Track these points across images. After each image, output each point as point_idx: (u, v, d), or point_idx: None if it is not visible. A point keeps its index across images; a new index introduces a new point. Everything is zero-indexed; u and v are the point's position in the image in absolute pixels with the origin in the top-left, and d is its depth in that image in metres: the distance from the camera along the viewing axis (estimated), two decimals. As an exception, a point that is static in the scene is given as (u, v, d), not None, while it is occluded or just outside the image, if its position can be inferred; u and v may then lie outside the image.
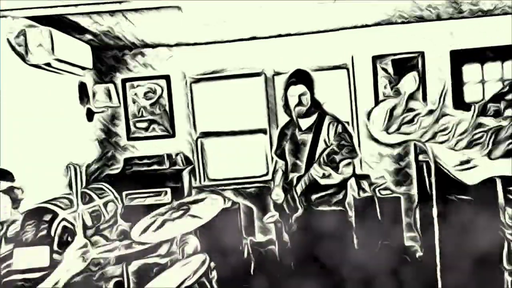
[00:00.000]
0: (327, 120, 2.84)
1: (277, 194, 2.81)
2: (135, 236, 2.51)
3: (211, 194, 2.92)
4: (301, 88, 2.80)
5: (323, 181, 2.67)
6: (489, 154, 0.91)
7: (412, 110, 1.04)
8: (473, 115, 0.99)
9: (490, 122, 0.95)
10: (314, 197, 2.77)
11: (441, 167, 1.02)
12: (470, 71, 4.20)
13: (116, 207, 3.55)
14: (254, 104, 4.40)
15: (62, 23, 3.32)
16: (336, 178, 2.61)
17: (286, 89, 2.86)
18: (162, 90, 4.44)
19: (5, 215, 2.51)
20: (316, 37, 4.23)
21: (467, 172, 0.97)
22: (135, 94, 4.44)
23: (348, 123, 3.44)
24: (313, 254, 2.80)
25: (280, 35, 4.22)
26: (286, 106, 2.89)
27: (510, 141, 0.85)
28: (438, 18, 3.99)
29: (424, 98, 4.23)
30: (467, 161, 0.94)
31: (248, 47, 4.30)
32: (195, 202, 2.79)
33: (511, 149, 0.83)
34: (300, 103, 2.79)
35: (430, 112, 1.04)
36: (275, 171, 3.07)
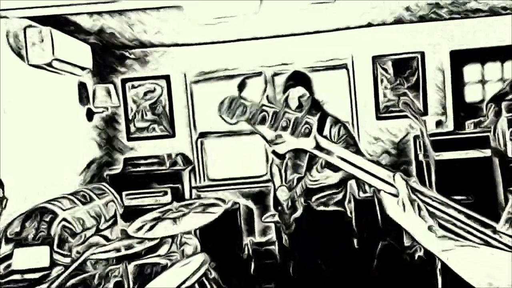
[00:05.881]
0: (328, 122, 2.82)
1: (283, 190, 2.80)
2: (131, 231, 2.50)
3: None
4: (300, 90, 2.77)
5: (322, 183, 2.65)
6: (293, 134, 1.13)
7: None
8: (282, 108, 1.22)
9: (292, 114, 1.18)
10: (313, 197, 2.77)
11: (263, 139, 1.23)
12: (470, 71, 4.20)
13: (116, 207, 3.55)
14: (254, 104, 4.39)
15: (62, 23, 3.32)
16: (335, 178, 2.60)
17: (284, 93, 2.82)
18: (162, 90, 4.43)
19: None
20: (316, 37, 4.23)
21: (278, 146, 1.20)
22: (135, 94, 4.44)
23: (348, 123, 3.43)
24: (312, 254, 2.80)
25: (280, 35, 4.22)
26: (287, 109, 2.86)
27: (305, 126, 1.11)
28: (438, 18, 3.99)
29: (424, 98, 4.23)
30: (279, 136, 1.16)
31: (248, 47, 4.30)
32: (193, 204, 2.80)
33: (308, 132, 1.12)
34: (300, 105, 2.76)
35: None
36: (271, 170, 3.03)
